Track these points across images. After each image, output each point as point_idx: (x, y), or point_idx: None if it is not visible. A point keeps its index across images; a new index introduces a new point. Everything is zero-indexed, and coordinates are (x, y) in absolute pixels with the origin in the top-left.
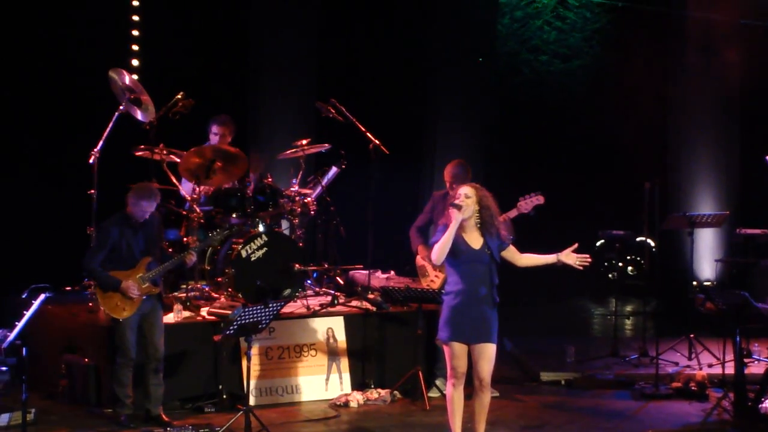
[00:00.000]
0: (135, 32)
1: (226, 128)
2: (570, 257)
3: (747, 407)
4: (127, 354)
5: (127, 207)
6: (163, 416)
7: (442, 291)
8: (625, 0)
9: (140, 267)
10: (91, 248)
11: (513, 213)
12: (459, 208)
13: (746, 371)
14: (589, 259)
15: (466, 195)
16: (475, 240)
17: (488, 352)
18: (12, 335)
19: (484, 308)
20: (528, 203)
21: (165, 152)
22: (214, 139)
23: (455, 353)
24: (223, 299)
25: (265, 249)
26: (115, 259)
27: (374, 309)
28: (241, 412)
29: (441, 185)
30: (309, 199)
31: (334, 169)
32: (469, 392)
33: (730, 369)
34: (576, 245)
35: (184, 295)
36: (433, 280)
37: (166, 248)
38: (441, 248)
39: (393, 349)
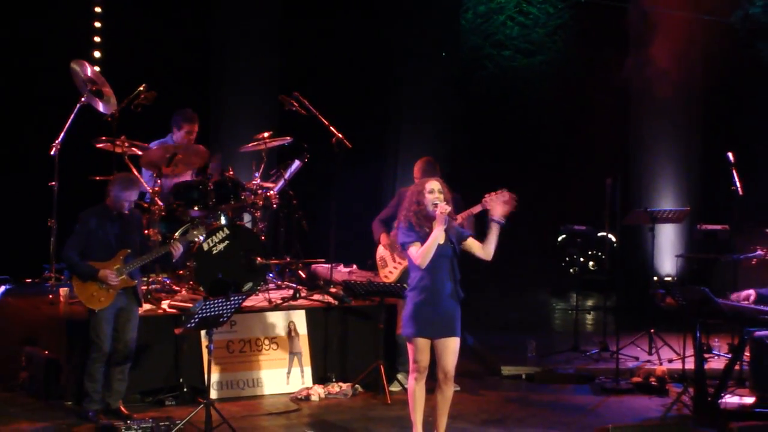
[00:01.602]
0: (97, 24)
1: (195, 125)
2: (494, 201)
3: (707, 402)
4: (101, 348)
5: (107, 198)
6: (123, 409)
7: (405, 285)
8: None
9: (117, 259)
10: (69, 238)
11: (477, 208)
12: (447, 210)
13: (706, 366)
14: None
15: (440, 191)
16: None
17: (453, 346)
18: None
19: (449, 303)
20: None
21: (127, 144)
22: (179, 135)
23: (419, 348)
24: (184, 292)
25: (226, 242)
26: (92, 250)
27: (336, 303)
28: (202, 405)
29: (404, 179)
30: (271, 192)
31: (296, 163)
32: (431, 386)
33: (690, 364)
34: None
35: (146, 287)
36: (391, 271)
37: (146, 240)
38: (426, 253)
39: (354, 343)
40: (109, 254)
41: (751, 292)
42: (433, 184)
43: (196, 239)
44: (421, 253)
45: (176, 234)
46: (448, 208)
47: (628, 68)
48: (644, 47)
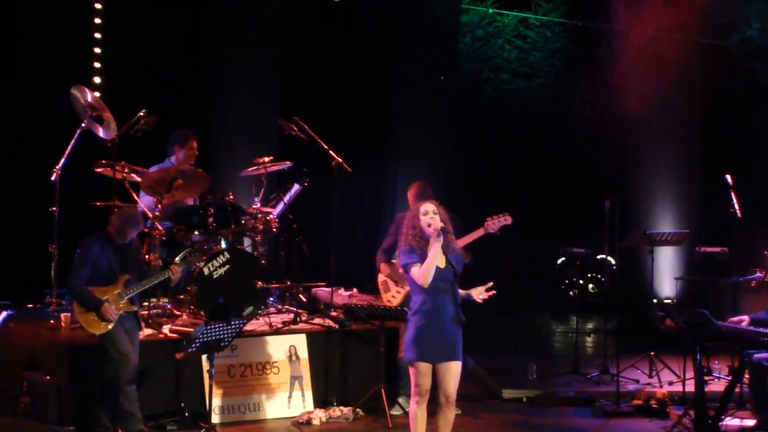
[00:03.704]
0: (97, 50)
1: (194, 141)
2: (477, 291)
3: (707, 425)
4: (129, 362)
5: (109, 227)
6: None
7: (406, 308)
8: (585, 20)
9: (119, 284)
10: (74, 266)
11: (480, 232)
12: (441, 228)
13: (706, 389)
14: (493, 292)
15: (434, 212)
16: (439, 259)
17: (454, 370)
18: None
19: (451, 327)
20: (495, 223)
21: (127, 170)
22: (181, 154)
23: (421, 372)
24: (185, 316)
25: (227, 266)
26: (95, 276)
27: (337, 326)
28: (204, 429)
29: (404, 202)
30: (271, 216)
31: (296, 187)
32: (432, 409)
33: (690, 386)
34: (491, 284)
35: (146, 312)
36: (394, 296)
37: (145, 266)
38: (427, 271)
39: (355, 366)
40: (111, 280)
41: (745, 317)
42: (428, 206)
43: (195, 265)
44: (422, 272)
45: (176, 259)
46: (440, 224)
47: (649, 90)
48: (666, 71)
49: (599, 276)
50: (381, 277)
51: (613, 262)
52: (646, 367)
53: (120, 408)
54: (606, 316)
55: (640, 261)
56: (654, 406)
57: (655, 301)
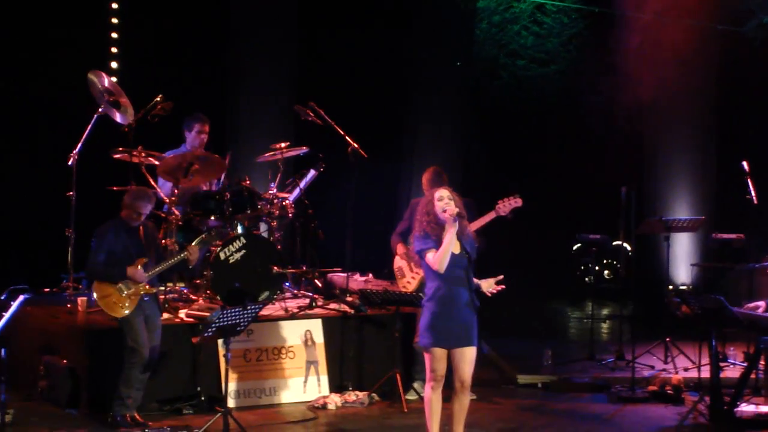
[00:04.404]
0: (114, 35)
1: (206, 125)
2: (487, 283)
3: (722, 411)
4: (142, 353)
5: (122, 211)
6: (138, 417)
7: (421, 294)
8: (601, 6)
9: (136, 267)
10: (90, 253)
11: (491, 215)
12: (457, 213)
13: (722, 375)
14: (502, 286)
15: (449, 197)
16: (454, 244)
17: (470, 355)
18: None
19: (466, 313)
20: (506, 205)
21: (143, 154)
22: (197, 138)
23: (436, 357)
24: (201, 301)
25: (243, 251)
26: (112, 263)
27: (352, 311)
28: (220, 413)
29: (420, 188)
30: (287, 201)
31: (312, 172)
32: (447, 395)
33: (705, 373)
34: (501, 277)
35: (163, 297)
36: (409, 281)
37: (162, 249)
38: (442, 257)
39: (371, 351)
40: (128, 264)
41: (761, 303)
42: (443, 192)
43: (211, 249)
44: (438, 258)
45: (193, 242)
46: (456, 210)
47: (666, 77)
48: (682, 58)
49: (615, 262)
50: (397, 261)
51: (629, 248)
52: (662, 353)
53: (116, 390)
54: (622, 302)
55: (656, 247)
56: (669, 392)
57: (670, 287)
